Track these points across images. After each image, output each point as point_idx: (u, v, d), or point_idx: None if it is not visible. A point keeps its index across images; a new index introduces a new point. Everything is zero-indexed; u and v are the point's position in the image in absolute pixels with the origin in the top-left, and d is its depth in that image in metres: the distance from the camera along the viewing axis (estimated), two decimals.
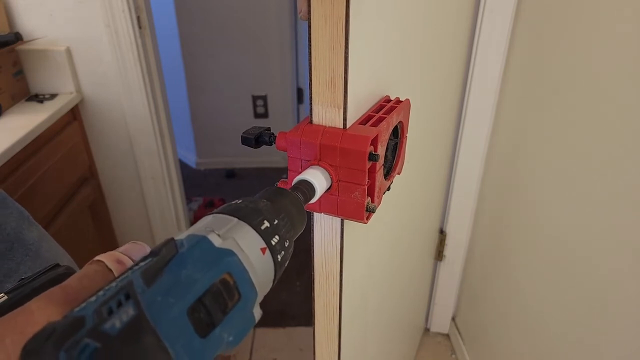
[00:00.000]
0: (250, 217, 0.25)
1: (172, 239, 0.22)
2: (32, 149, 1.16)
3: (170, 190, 1.61)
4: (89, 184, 1.46)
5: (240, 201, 0.27)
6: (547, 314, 0.95)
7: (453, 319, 1.53)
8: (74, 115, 1.39)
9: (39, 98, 1.31)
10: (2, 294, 0.23)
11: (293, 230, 0.29)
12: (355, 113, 0.44)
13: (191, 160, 2.78)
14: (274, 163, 2.71)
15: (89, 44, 1.33)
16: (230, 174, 2.65)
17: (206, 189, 2.53)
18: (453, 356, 1.48)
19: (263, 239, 0.25)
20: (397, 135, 0.52)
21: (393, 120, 0.47)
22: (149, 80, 1.43)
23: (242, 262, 0.22)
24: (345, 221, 0.47)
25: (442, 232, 1.38)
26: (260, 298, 0.23)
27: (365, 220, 0.44)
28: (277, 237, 0.26)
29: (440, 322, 1.55)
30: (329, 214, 0.46)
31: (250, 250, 0.23)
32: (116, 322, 0.17)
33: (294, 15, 2.33)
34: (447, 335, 1.55)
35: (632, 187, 0.69)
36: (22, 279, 0.25)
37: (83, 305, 0.18)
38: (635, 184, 0.69)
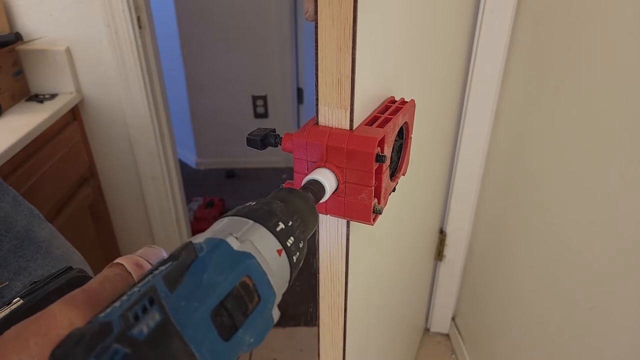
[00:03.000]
0: (266, 219, 0.25)
1: (191, 242, 0.22)
2: (32, 149, 1.15)
3: (170, 190, 1.61)
4: (89, 184, 1.46)
5: (254, 203, 0.27)
6: (547, 314, 0.95)
7: (453, 319, 1.53)
8: (74, 115, 1.39)
9: (39, 98, 1.31)
10: (18, 298, 0.23)
11: (306, 230, 0.29)
12: (361, 114, 0.44)
13: (191, 160, 2.77)
14: (274, 163, 2.71)
15: (89, 44, 1.33)
16: (230, 174, 2.65)
17: (206, 189, 2.53)
18: (453, 356, 1.48)
19: (279, 240, 0.25)
20: (402, 136, 0.52)
21: (399, 121, 0.47)
22: (149, 80, 1.42)
23: (261, 265, 0.22)
24: (350, 222, 0.47)
25: (442, 232, 1.39)
26: (278, 299, 0.23)
27: (372, 222, 0.44)
28: (292, 238, 0.26)
29: (440, 322, 1.55)
30: (336, 216, 0.46)
31: (267, 252, 0.24)
32: (143, 328, 0.17)
33: (294, 15, 2.33)
34: (447, 335, 1.56)
35: (633, 186, 0.70)
36: (35, 282, 0.25)
37: (108, 310, 0.18)
38: (637, 184, 0.69)
